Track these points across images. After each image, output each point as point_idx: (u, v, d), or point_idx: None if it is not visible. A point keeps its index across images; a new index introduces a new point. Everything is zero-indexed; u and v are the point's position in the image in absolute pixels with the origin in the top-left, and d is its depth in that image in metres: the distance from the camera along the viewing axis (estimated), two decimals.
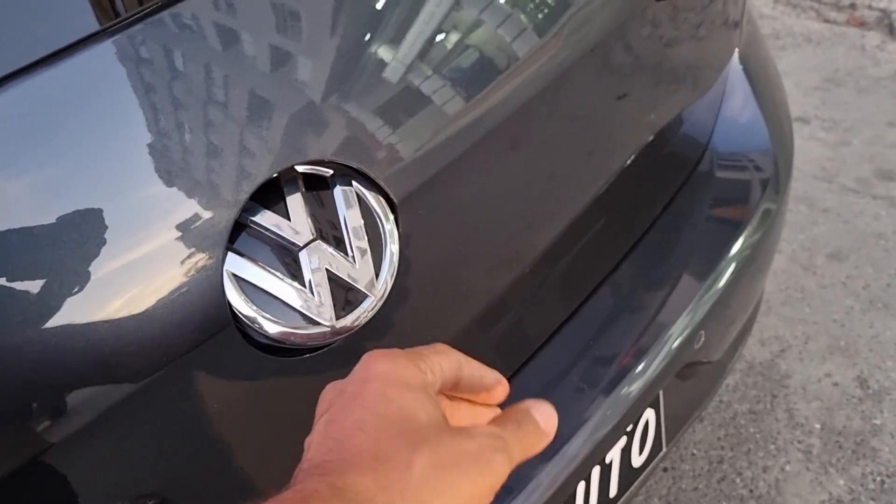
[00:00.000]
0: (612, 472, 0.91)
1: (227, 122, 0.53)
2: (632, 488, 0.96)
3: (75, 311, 0.47)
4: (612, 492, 0.93)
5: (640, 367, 0.85)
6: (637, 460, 0.95)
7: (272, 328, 0.53)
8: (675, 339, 0.87)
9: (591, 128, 0.79)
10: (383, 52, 0.58)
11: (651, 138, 0.89)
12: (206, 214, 0.51)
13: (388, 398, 0.39)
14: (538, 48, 0.68)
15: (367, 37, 0.58)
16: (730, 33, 1.00)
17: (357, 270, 0.56)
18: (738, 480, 1.52)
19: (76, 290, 0.47)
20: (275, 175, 0.54)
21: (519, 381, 0.80)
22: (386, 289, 0.57)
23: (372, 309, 0.56)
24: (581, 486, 0.87)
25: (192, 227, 0.50)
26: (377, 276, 0.56)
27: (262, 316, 0.53)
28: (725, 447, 1.57)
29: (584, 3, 0.72)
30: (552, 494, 0.77)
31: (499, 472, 0.39)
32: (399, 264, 0.57)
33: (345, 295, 0.56)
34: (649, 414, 0.93)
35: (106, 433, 0.51)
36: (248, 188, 0.52)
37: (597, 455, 0.85)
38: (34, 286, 0.46)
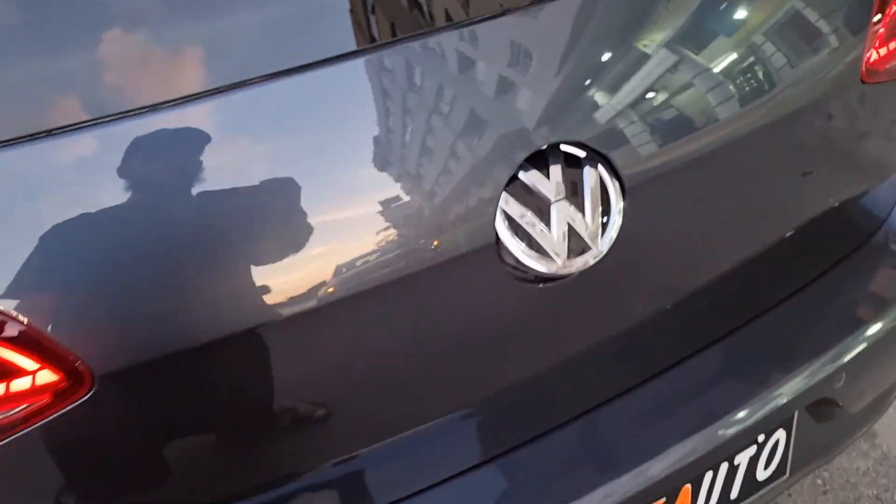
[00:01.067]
0: (738, 475, 1.04)
1: (516, 109, 0.74)
2: (750, 499, 1.08)
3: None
4: (734, 494, 1.06)
5: (782, 383, 0.98)
6: (761, 474, 1.07)
7: (519, 254, 0.73)
8: (819, 369, 1.00)
9: (792, 176, 0.95)
10: (642, 75, 0.78)
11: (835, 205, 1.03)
12: (497, 165, 0.72)
13: None
14: (755, 101, 0.85)
15: (634, 59, 0.78)
16: None
17: (588, 230, 0.75)
18: None
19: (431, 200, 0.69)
20: (543, 147, 0.74)
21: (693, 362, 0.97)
22: (606, 248, 0.75)
23: (593, 259, 0.75)
24: (709, 474, 1.01)
25: (488, 170, 0.72)
26: (602, 237, 0.75)
27: (516, 243, 0.73)
28: None
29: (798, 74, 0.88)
30: (687, 464, 0.92)
31: None
32: (619, 234, 0.76)
33: (576, 245, 0.75)
34: (780, 434, 1.05)
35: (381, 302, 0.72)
36: (525, 153, 0.73)
37: (728, 449, 0.98)
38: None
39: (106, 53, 0.65)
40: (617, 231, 0.76)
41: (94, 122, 0.63)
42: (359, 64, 0.71)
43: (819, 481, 1.71)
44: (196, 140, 0.65)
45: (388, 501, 0.85)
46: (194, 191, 0.64)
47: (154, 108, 0.64)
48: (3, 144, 0.61)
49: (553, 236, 0.74)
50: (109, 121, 0.63)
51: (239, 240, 0.66)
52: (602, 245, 0.76)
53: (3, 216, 0.61)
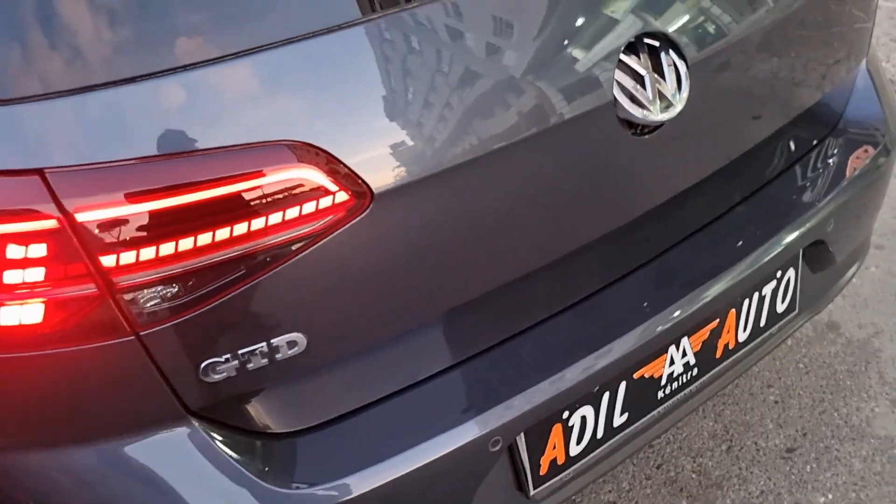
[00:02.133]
0: (764, 305, 1.37)
1: (622, 15, 1.07)
2: (772, 329, 1.41)
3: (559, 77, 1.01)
4: (762, 322, 1.39)
5: (791, 226, 1.33)
6: (780, 307, 1.41)
7: (630, 108, 1.05)
8: (815, 216, 1.35)
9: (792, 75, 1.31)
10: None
11: (815, 101, 1.39)
12: (608, 51, 1.04)
13: None
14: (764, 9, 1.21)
15: None
16: (864, 44, 1.50)
17: (670, 92, 1.08)
18: (835, 414, 1.92)
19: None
20: (633, 39, 1.07)
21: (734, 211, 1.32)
22: (681, 105, 1.09)
23: (675, 111, 1.08)
24: (746, 301, 1.33)
25: (602, 55, 1.04)
26: (679, 97, 1.08)
27: (627, 103, 1.05)
28: (826, 392, 1.98)
29: None
30: (732, 290, 1.25)
31: None
32: (689, 96, 1.09)
33: (664, 103, 1.07)
34: (791, 273, 1.39)
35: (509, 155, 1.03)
36: (623, 42, 1.06)
37: (759, 282, 1.32)
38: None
39: None
40: (687, 93, 1.10)
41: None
42: None
43: (801, 365, 2.07)
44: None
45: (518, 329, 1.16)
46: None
47: None
48: None
49: (648, 95, 1.06)
50: None
51: (455, 95, 0.96)
52: (679, 102, 1.09)
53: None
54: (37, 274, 0.88)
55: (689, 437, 1.92)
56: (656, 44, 1.09)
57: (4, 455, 0.99)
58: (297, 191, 0.90)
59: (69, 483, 0.99)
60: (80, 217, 0.85)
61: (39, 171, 0.85)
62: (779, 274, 1.37)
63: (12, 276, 0.87)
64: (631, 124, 1.09)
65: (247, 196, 0.89)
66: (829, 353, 2.11)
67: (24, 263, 0.87)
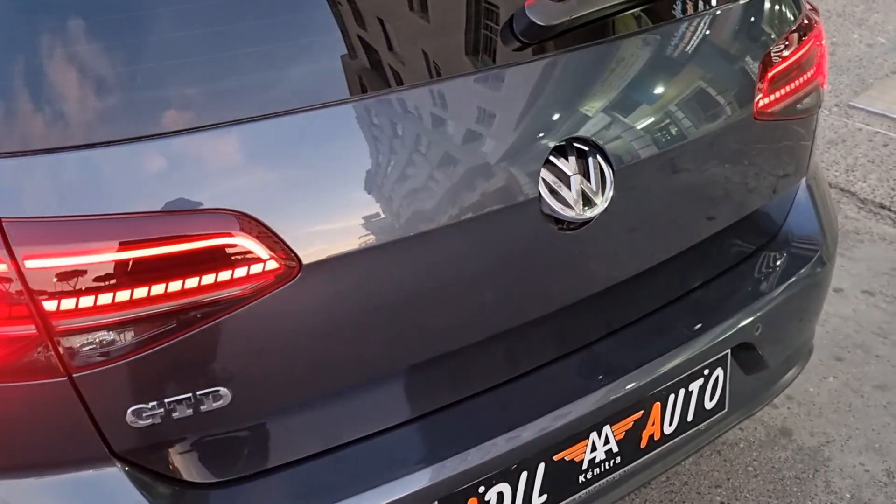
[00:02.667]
0: (692, 401, 1.42)
1: (549, 122, 1.17)
2: (702, 424, 1.46)
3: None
4: (689, 416, 1.44)
5: (717, 329, 1.40)
6: (708, 404, 1.46)
7: (554, 204, 1.14)
8: (741, 319, 1.42)
9: (724, 186, 1.40)
10: (630, 93, 1.23)
11: (749, 212, 1.48)
12: (538, 151, 1.14)
13: None
14: (686, 126, 1.31)
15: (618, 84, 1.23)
16: (803, 163, 1.60)
17: (594, 193, 1.17)
18: None
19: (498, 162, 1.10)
20: (563, 142, 1.17)
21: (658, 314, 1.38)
22: (604, 206, 1.17)
23: (596, 212, 1.17)
24: (672, 396, 1.39)
25: (532, 154, 1.13)
26: (602, 197, 1.17)
27: (550, 199, 1.14)
28: (772, 497, 2.00)
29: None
30: (658, 383, 1.31)
31: None
32: (612, 196, 1.18)
33: (586, 203, 1.16)
34: (719, 372, 1.45)
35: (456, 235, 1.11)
36: (553, 143, 1.15)
37: (686, 378, 1.37)
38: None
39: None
40: (611, 194, 1.18)
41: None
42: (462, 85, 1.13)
43: (750, 468, 2.09)
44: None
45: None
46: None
47: None
48: None
49: (573, 194, 1.15)
50: None
51: (381, 174, 1.05)
52: (601, 203, 1.17)
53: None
54: None
55: None
56: (584, 148, 1.19)
57: None
58: (231, 255, 0.99)
59: None
60: (29, 263, 0.94)
61: None
62: (706, 372, 1.43)
63: None
64: (557, 220, 1.18)
65: (185, 256, 0.98)
66: (780, 458, 2.13)
67: None
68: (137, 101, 0.99)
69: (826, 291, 1.65)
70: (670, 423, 1.42)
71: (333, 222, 1.04)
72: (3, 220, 0.94)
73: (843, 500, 1.98)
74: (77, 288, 0.95)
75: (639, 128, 1.25)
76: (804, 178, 1.65)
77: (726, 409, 1.51)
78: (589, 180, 1.18)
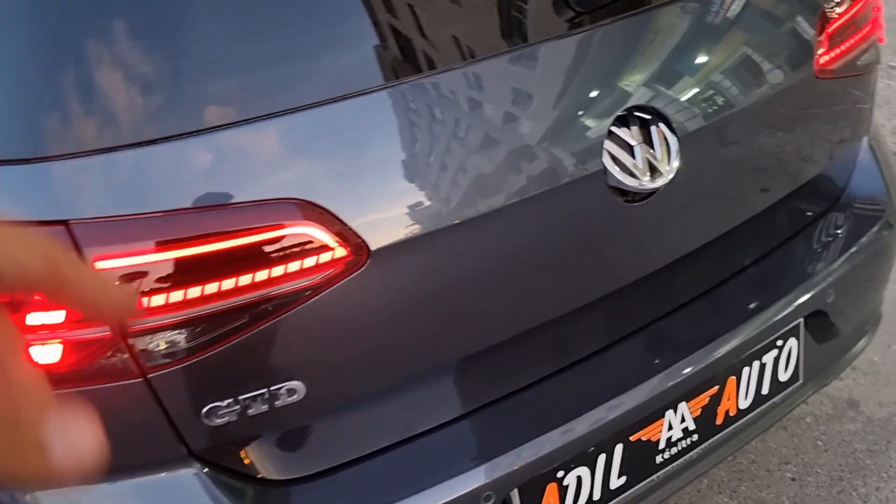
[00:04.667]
0: (766, 373, 1.38)
1: (605, 96, 1.13)
2: (776, 398, 1.42)
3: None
4: (764, 390, 1.40)
5: (789, 297, 1.36)
6: (783, 375, 1.41)
7: (621, 177, 1.10)
8: (813, 286, 1.37)
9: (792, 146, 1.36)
10: (689, 58, 1.19)
11: (814, 175, 1.44)
12: (600, 123, 1.10)
13: None
14: (746, 89, 1.27)
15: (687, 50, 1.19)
16: (864, 122, 1.54)
17: (660, 163, 1.13)
18: (853, 494, 1.88)
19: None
20: (624, 111, 1.13)
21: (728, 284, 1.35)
22: (671, 175, 1.14)
23: (664, 181, 1.13)
24: (746, 369, 1.35)
25: (594, 126, 1.10)
26: (668, 167, 1.14)
27: (616, 171, 1.10)
28: (845, 471, 1.94)
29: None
30: (732, 357, 1.27)
31: None
32: (679, 168, 1.14)
33: (652, 172, 1.13)
34: (792, 342, 1.41)
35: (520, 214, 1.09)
36: (616, 112, 1.12)
37: (759, 350, 1.33)
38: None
39: None
40: (677, 164, 1.15)
41: None
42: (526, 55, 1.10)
43: (819, 443, 2.04)
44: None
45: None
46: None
47: None
48: None
49: (638, 164, 1.12)
50: None
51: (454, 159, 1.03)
52: (669, 172, 1.14)
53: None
54: (57, 316, 0.95)
55: None
56: (647, 116, 1.16)
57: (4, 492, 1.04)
58: (300, 246, 0.97)
59: None
60: (99, 265, 0.93)
61: (64, 222, 0.93)
62: (779, 343, 1.39)
63: (35, 318, 0.95)
64: (623, 192, 1.15)
65: (253, 249, 0.96)
66: (849, 430, 2.08)
67: (46, 306, 0.94)
68: (192, 96, 0.97)
69: (894, 256, 1.60)
70: (745, 397, 1.38)
71: (399, 206, 1.01)
72: (70, 222, 0.93)
73: None
74: (148, 287, 0.94)
75: (700, 93, 1.21)
76: (865, 138, 1.59)
77: (801, 381, 1.46)
78: (653, 149, 1.15)
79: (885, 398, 2.14)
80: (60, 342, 0.95)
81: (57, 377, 0.96)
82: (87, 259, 0.92)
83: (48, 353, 0.95)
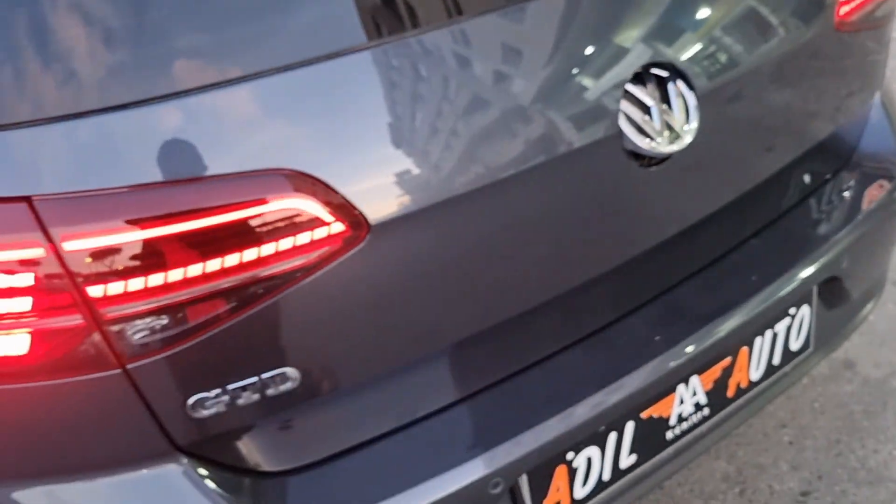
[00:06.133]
0: (777, 343, 1.33)
1: (619, 53, 1.04)
2: (787, 367, 1.36)
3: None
4: (776, 360, 1.34)
5: (805, 263, 1.29)
6: (794, 344, 1.36)
7: (637, 140, 1.02)
8: (829, 250, 1.31)
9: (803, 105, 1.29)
10: (707, 11, 1.10)
11: (827, 133, 1.37)
12: (615, 82, 1.02)
13: None
14: (764, 45, 1.19)
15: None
16: (877, 78, 1.47)
17: (678, 124, 1.05)
18: (851, 456, 1.86)
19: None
20: (639, 69, 1.04)
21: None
22: (691, 137, 1.06)
23: (682, 143, 1.05)
24: (758, 339, 1.29)
25: (609, 86, 1.01)
26: (686, 128, 1.06)
27: (633, 133, 1.02)
28: (842, 433, 1.92)
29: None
30: (745, 327, 1.21)
31: None
32: (697, 127, 1.06)
33: (672, 134, 1.05)
34: (805, 310, 1.35)
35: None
36: (633, 69, 1.03)
37: (771, 319, 1.28)
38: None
39: None
40: (696, 125, 1.07)
41: None
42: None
43: (816, 405, 2.01)
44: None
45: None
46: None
47: None
48: None
49: (656, 126, 1.04)
50: None
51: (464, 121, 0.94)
52: (687, 134, 1.06)
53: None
54: (23, 304, 0.85)
55: (700, 479, 1.86)
56: (664, 74, 1.07)
57: None
58: (292, 221, 0.87)
59: None
60: (68, 246, 0.83)
61: (27, 199, 0.83)
62: (792, 311, 1.33)
63: None
64: (638, 156, 1.07)
65: (240, 226, 0.86)
66: (845, 392, 2.05)
67: (10, 293, 0.84)
68: (167, 53, 0.86)
69: None
70: (757, 368, 1.32)
71: (400, 175, 0.92)
72: (32, 198, 0.82)
73: None
74: (124, 269, 0.84)
75: (719, 48, 1.12)
76: (877, 95, 1.52)
77: (811, 348, 1.41)
78: (671, 109, 1.07)
79: (880, 358, 2.12)
80: (28, 332, 0.86)
81: (27, 370, 0.87)
82: (56, 239, 0.82)
83: (15, 344, 0.86)
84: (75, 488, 0.94)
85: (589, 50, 1.03)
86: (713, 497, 1.82)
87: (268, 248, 0.87)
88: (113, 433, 0.92)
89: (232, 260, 0.86)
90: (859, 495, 1.78)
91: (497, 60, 0.99)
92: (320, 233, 0.89)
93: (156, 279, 0.85)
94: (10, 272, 0.83)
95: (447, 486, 1.01)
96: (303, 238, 0.88)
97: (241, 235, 0.86)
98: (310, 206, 0.88)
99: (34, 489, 0.93)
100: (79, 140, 0.84)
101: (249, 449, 0.98)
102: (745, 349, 1.29)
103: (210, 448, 0.96)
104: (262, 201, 0.87)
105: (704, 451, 1.36)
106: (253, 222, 0.86)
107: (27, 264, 0.83)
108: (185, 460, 0.95)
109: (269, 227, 0.87)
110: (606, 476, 1.18)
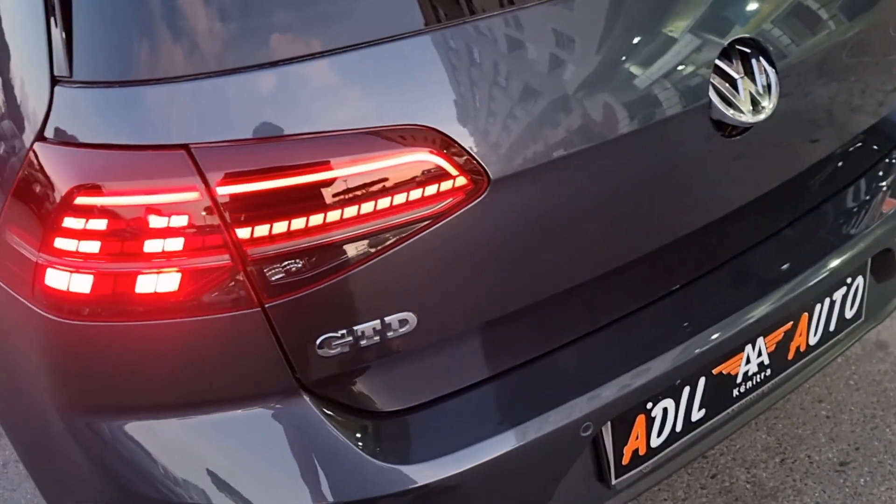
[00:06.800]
0: (834, 311, 1.41)
1: (709, 29, 1.12)
2: (841, 334, 1.44)
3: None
4: (832, 326, 1.42)
5: (863, 235, 1.38)
6: (848, 312, 1.44)
7: (724, 109, 1.10)
8: (887, 223, 1.39)
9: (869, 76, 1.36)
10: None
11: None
12: (706, 55, 1.09)
13: None
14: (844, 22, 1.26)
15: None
16: None
17: (760, 96, 1.13)
18: (887, 430, 1.94)
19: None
20: (727, 45, 1.12)
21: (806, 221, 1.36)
22: (771, 109, 1.14)
23: (764, 115, 1.13)
24: (818, 306, 1.37)
25: (701, 59, 1.09)
26: (769, 99, 1.13)
27: (720, 104, 1.10)
28: (877, 408, 2.00)
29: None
30: (806, 294, 1.29)
31: None
32: (779, 99, 1.14)
33: (755, 107, 1.12)
34: (860, 280, 1.43)
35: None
36: (720, 46, 1.11)
37: (830, 288, 1.35)
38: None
39: None
40: (776, 96, 1.14)
41: None
42: None
43: (851, 382, 2.09)
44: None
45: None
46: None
47: None
48: None
49: (741, 96, 1.11)
50: None
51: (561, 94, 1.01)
52: (769, 105, 1.14)
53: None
54: (176, 244, 0.93)
55: (742, 449, 1.94)
56: (748, 50, 1.15)
57: (120, 418, 1.03)
58: (422, 174, 0.95)
59: (181, 448, 1.03)
60: (221, 190, 0.90)
61: (185, 146, 0.90)
62: (849, 280, 1.41)
63: (152, 246, 0.92)
64: (721, 126, 1.15)
65: (374, 176, 0.94)
66: (879, 370, 2.13)
67: (165, 233, 0.92)
68: (322, 15, 0.94)
69: None
70: (815, 334, 1.40)
71: (518, 136, 0.99)
72: (191, 145, 0.90)
73: None
74: (269, 214, 0.92)
75: (796, 26, 1.20)
76: None
77: (863, 318, 1.49)
78: (755, 83, 1.14)
79: None
80: (178, 270, 0.93)
81: (174, 306, 0.94)
82: (212, 184, 0.90)
83: (166, 282, 0.93)
84: (206, 420, 1.02)
85: (684, 26, 1.11)
86: (755, 465, 1.90)
87: (398, 199, 0.95)
88: (246, 369, 0.99)
89: (367, 207, 0.94)
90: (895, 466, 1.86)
91: (603, 35, 1.07)
92: (446, 185, 0.96)
93: (298, 223, 0.93)
94: (168, 214, 0.91)
95: (544, 426, 1.08)
96: (430, 189, 0.96)
97: (377, 185, 0.94)
98: (440, 161, 0.95)
99: (171, 420, 1.01)
100: (232, 94, 0.91)
101: (365, 389, 1.06)
102: (805, 315, 1.36)
103: (331, 388, 1.04)
104: (394, 154, 0.94)
105: (762, 411, 1.43)
106: (388, 173, 0.94)
107: (183, 206, 0.91)
108: (308, 398, 1.02)
109: (400, 179, 0.95)
110: (679, 427, 1.25)
